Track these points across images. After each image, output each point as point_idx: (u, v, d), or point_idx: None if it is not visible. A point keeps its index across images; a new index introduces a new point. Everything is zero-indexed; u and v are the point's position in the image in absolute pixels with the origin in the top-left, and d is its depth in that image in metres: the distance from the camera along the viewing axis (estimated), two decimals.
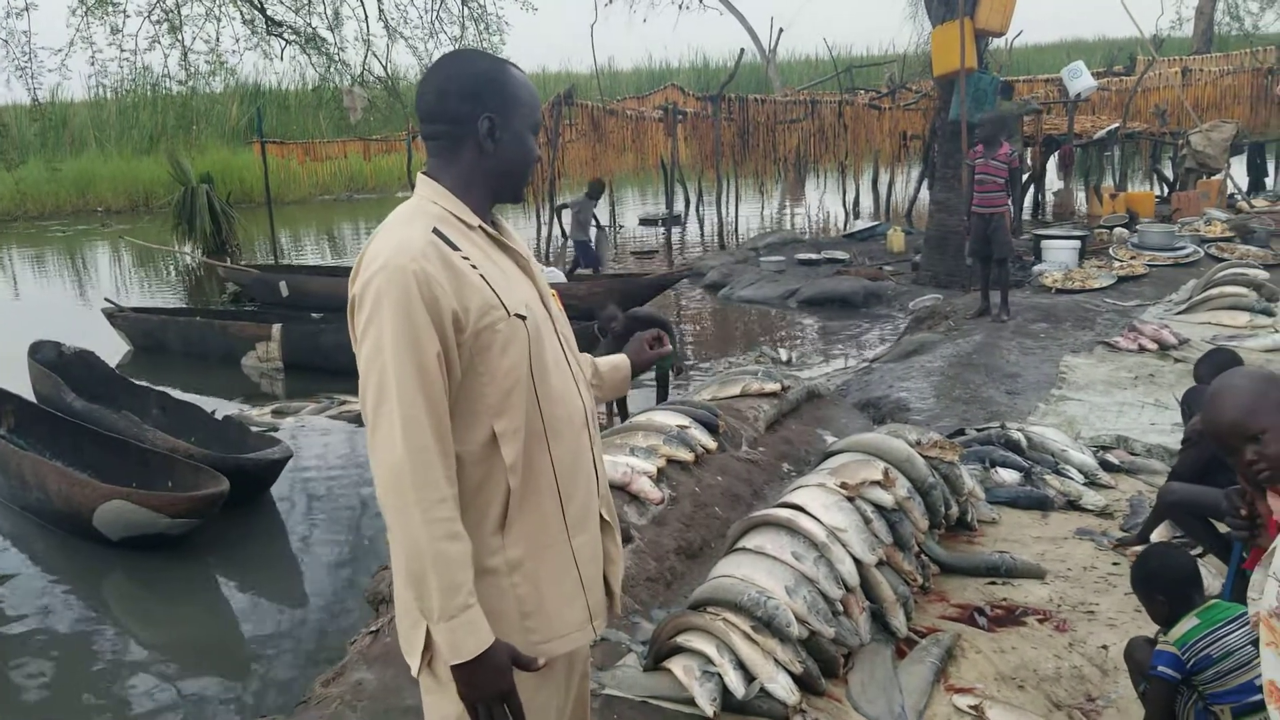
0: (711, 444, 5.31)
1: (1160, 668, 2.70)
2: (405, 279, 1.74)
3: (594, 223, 15.01)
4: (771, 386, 6.14)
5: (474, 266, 1.82)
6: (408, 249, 1.77)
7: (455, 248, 1.82)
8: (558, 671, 1.99)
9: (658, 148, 17.80)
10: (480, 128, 1.89)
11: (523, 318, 1.85)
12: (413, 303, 1.73)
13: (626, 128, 17.14)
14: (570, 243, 15.45)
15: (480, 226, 1.91)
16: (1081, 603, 4.07)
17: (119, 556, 6.23)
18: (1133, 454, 5.69)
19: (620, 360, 2.42)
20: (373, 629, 3.74)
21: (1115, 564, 4.34)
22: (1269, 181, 19.25)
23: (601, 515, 2.04)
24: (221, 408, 8.80)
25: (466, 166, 1.92)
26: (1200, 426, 4.02)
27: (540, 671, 1.92)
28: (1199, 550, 4.06)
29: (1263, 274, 9.40)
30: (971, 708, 3.31)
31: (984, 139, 9.04)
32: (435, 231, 1.82)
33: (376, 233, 1.86)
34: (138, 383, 8.77)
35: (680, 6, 30.32)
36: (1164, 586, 2.85)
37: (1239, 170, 17.26)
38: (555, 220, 17.24)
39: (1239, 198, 15.59)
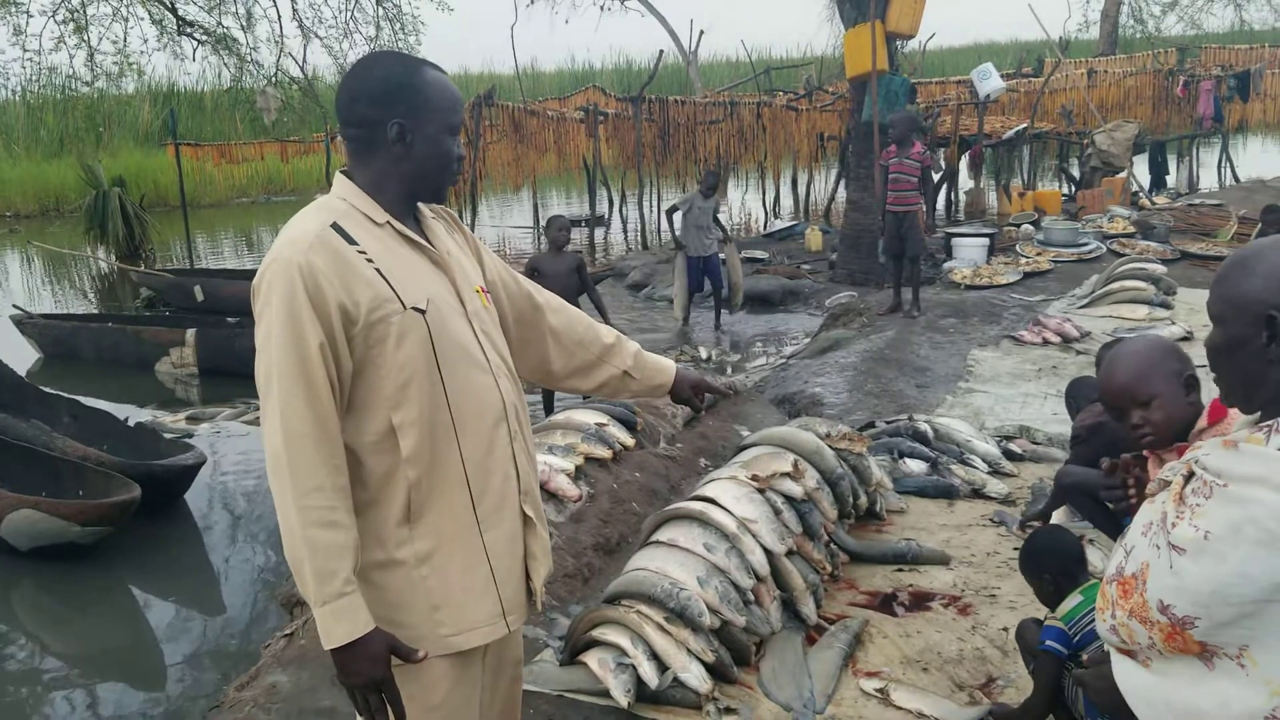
0: (630, 441, 5.39)
1: (1048, 642, 2.81)
2: (291, 271, 1.80)
3: (716, 229, 10.98)
4: None
5: (370, 261, 1.87)
6: (298, 242, 1.83)
7: (353, 242, 1.87)
8: (475, 666, 2.02)
9: (579, 148, 17.82)
10: (390, 133, 1.93)
11: (421, 311, 1.88)
12: (297, 294, 1.79)
13: (548, 128, 17.14)
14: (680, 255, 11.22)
15: (389, 223, 1.95)
16: (984, 587, 4.21)
17: (29, 567, 6.10)
18: (1035, 443, 5.90)
19: (666, 364, 2.47)
20: (287, 632, 3.74)
21: (1016, 549, 4.48)
22: (1170, 179, 19.88)
23: (525, 511, 2.05)
24: (134, 415, 8.63)
25: (379, 168, 1.97)
26: (1089, 422, 4.21)
27: (457, 666, 1.96)
28: (1090, 535, 4.23)
29: (1160, 268, 9.76)
30: (878, 690, 3.42)
31: (896, 139, 9.22)
32: (334, 226, 1.87)
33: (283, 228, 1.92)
34: (47, 390, 8.57)
35: (602, 8, 30.59)
36: (1051, 566, 2.98)
37: (1141, 168, 17.79)
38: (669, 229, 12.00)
39: (1141, 195, 16.09)
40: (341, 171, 2.01)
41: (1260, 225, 10.52)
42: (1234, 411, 1.94)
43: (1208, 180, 22.03)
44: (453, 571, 1.93)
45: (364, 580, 1.85)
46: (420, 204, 2.07)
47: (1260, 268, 1.64)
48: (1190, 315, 8.56)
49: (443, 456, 1.91)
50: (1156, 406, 2.13)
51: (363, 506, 1.88)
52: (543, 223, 20.72)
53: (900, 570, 4.37)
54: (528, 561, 2.06)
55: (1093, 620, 2.76)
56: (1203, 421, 2.08)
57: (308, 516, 1.76)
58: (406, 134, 1.93)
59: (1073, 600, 2.86)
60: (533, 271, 7.11)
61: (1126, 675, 1.76)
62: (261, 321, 1.83)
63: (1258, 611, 1.55)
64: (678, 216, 11.04)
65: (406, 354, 1.87)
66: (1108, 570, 1.79)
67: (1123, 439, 2.23)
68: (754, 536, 3.80)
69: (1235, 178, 21.06)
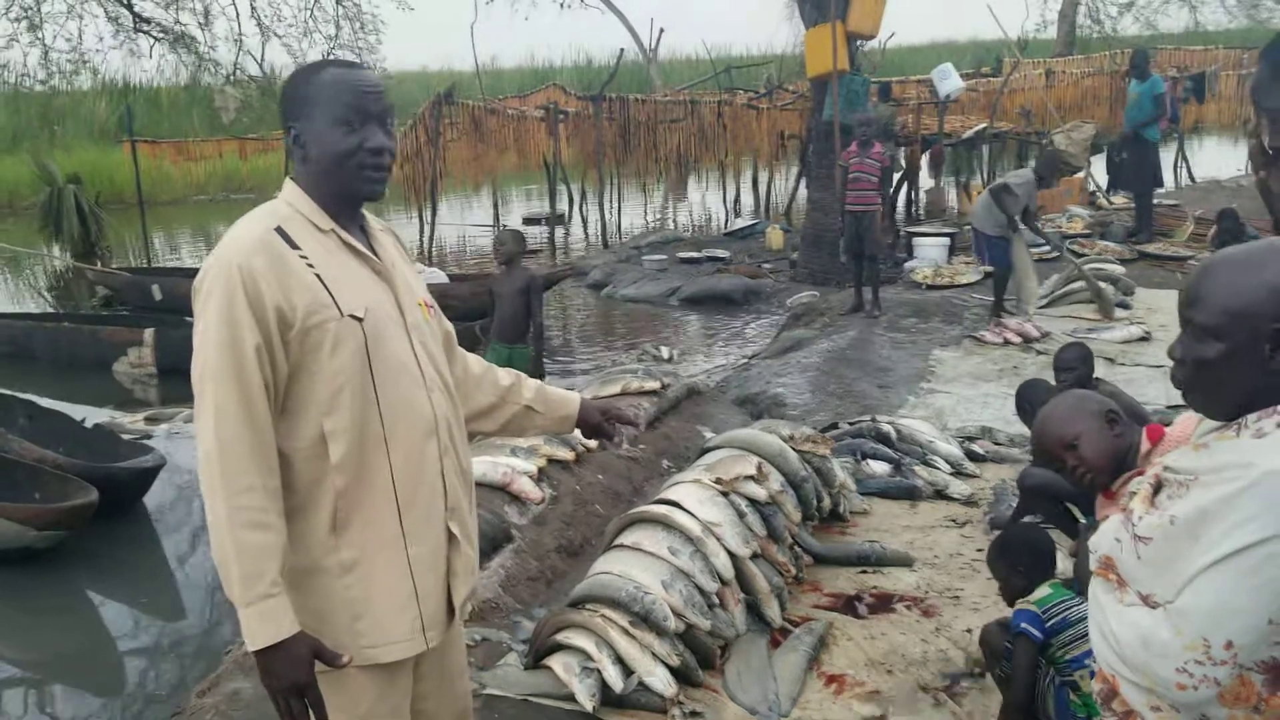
0: (592, 443, 5.37)
1: (1024, 625, 2.83)
2: (231, 272, 1.81)
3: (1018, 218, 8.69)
4: (651, 384, 6.23)
5: (311, 265, 1.88)
6: (240, 244, 1.85)
7: (295, 246, 1.88)
8: (402, 678, 2.02)
9: (540, 147, 17.76)
10: (291, 140, 1.98)
11: (358, 319, 1.89)
12: (235, 296, 1.80)
13: (508, 127, 17.07)
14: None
15: (333, 230, 1.96)
16: (947, 588, 4.24)
17: None
18: (996, 444, 5.94)
19: (571, 396, 2.47)
20: None
21: (979, 550, 4.53)
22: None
23: (450, 528, 2.05)
24: (92, 416, 8.51)
25: (302, 176, 2.00)
26: None
27: (382, 678, 1.96)
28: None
29: (1119, 269, 9.87)
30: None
31: (863, 139, 9.22)
32: (278, 230, 1.89)
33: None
34: (2, 391, 8.44)
35: (562, 5, 30.45)
36: (1026, 559, 3.01)
37: (1099, 169, 17.99)
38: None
39: (1099, 195, 16.27)
40: (290, 177, 2.03)
41: (1215, 228, 10.68)
42: (1173, 431, 1.97)
43: (1164, 181, 22.26)
44: (376, 583, 1.93)
45: (288, 586, 1.85)
46: (370, 218, 2.09)
47: (1266, 278, 1.58)
48: (1149, 315, 8.67)
49: (371, 466, 1.92)
50: (1084, 443, 2.25)
51: (291, 512, 1.87)
52: (503, 221, 20.74)
53: (864, 572, 4.40)
54: (450, 579, 2.06)
55: (1065, 610, 2.81)
56: (1145, 445, 2.14)
57: (238, 517, 1.76)
58: (300, 137, 1.97)
59: (1043, 590, 2.91)
60: (489, 294, 7.06)
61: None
62: (199, 321, 1.84)
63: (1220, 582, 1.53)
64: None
65: (341, 361, 1.88)
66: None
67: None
68: (718, 540, 3.80)
69: (1191, 178, 21.31)
